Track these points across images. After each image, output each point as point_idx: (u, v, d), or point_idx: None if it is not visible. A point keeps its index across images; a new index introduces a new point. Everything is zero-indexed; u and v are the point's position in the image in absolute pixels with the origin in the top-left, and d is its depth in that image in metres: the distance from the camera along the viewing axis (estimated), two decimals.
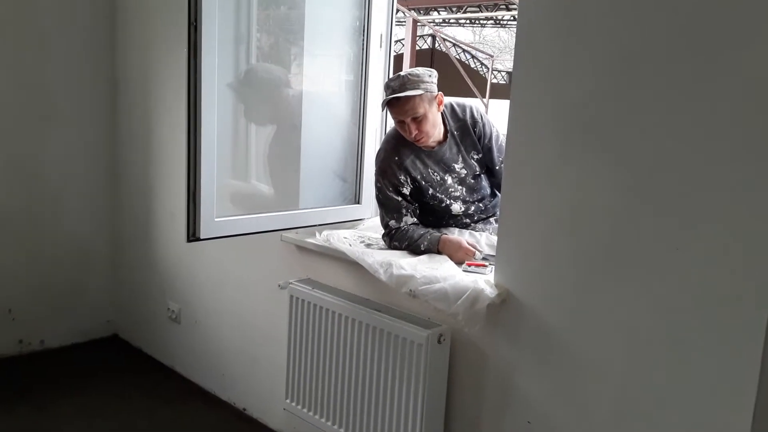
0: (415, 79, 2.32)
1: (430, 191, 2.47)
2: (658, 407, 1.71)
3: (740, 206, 1.53)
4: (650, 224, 1.68)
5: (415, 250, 2.39)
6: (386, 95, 2.35)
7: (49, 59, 3.63)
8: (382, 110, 2.49)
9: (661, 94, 1.64)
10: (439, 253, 2.35)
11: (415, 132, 2.35)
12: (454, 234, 2.44)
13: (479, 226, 2.55)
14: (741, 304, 1.55)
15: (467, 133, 2.48)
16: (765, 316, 1.50)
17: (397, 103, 2.32)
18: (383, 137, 2.66)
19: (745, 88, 1.50)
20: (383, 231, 2.51)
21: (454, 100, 2.53)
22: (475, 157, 2.50)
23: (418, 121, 2.34)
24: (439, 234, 2.40)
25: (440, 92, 2.37)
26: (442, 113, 2.44)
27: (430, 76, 2.36)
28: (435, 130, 2.40)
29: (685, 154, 1.61)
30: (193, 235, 2.21)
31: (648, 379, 1.73)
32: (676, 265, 1.64)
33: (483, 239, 2.42)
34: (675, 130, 1.62)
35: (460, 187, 2.50)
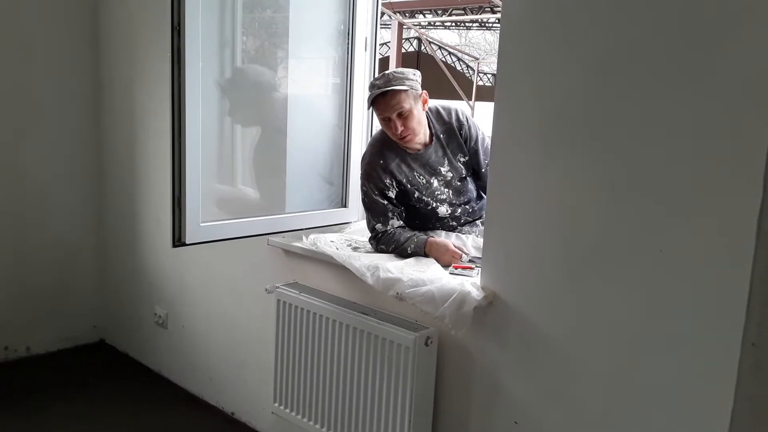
0: (400, 76, 2.34)
1: (416, 194, 2.48)
2: (644, 407, 1.72)
3: (727, 204, 1.54)
4: (636, 225, 1.69)
5: (401, 253, 2.39)
6: (371, 94, 2.36)
7: (33, 62, 3.60)
8: (368, 108, 2.48)
9: (647, 92, 1.65)
10: (425, 255, 2.35)
11: (401, 128, 2.35)
12: (441, 237, 2.44)
13: (466, 228, 2.56)
14: (725, 303, 1.56)
15: (453, 136, 2.49)
16: (743, 317, 1.52)
17: (382, 99, 2.32)
18: (368, 140, 2.67)
19: (732, 85, 1.51)
20: (370, 234, 2.51)
21: (439, 104, 2.55)
22: (462, 160, 2.51)
23: (404, 117, 2.34)
24: (426, 237, 2.40)
25: (425, 90, 2.39)
26: (427, 117, 2.45)
27: (414, 74, 2.38)
28: (421, 128, 2.40)
29: (670, 153, 1.62)
30: (178, 240, 2.21)
31: (634, 379, 1.74)
32: (661, 265, 1.65)
33: (469, 242, 2.43)
34: (660, 129, 1.63)
35: (446, 190, 2.51)
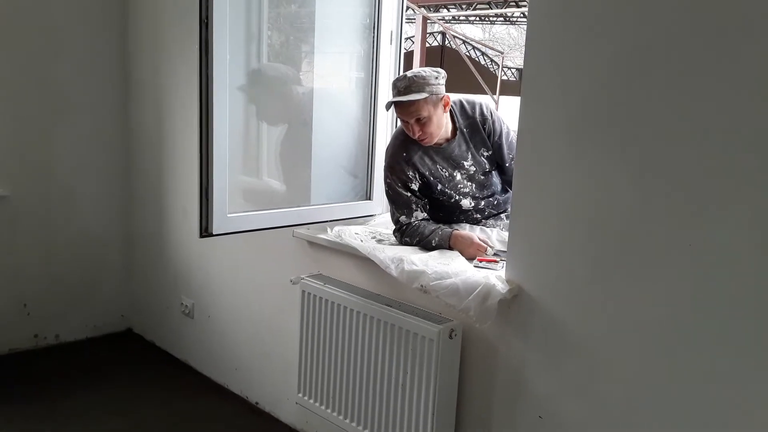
0: (421, 81, 2.32)
1: (439, 187, 2.48)
2: (671, 403, 1.71)
3: (757, 200, 1.53)
4: (663, 220, 1.68)
5: (426, 245, 2.40)
6: (393, 95, 2.36)
7: (62, 57, 3.66)
8: (387, 110, 2.51)
9: (675, 87, 1.63)
10: (450, 248, 2.35)
11: (418, 133, 2.37)
12: (466, 230, 2.44)
13: (490, 221, 2.56)
14: (756, 300, 1.54)
15: (477, 130, 2.48)
16: None
17: (401, 104, 2.33)
18: (392, 133, 2.68)
19: (760, 86, 1.50)
20: (394, 227, 2.52)
21: (463, 97, 2.54)
22: (485, 154, 2.50)
23: (422, 122, 2.35)
24: (451, 229, 2.40)
25: (447, 94, 2.38)
26: (451, 111, 2.45)
27: (437, 77, 2.36)
28: (440, 130, 2.41)
29: (698, 148, 1.60)
30: (205, 231, 2.23)
31: (661, 374, 1.73)
32: (689, 261, 1.64)
33: (494, 235, 2.43)
34: (688, 124, 1.62)
35: (469, 184, 2.51)
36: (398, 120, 2.68)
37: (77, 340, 3.93)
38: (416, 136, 2.38)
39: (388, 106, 2.39)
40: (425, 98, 2.31)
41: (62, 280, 3.85)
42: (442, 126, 2.41)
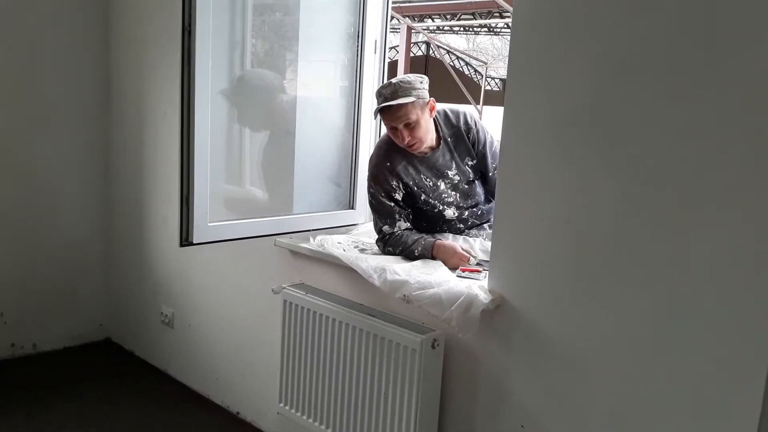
0: (407, 86, 2.32)
1: (423, 197, 2.48)
2: (654, 414, 1.71)
3: (740, 209, 1.53)
4: (646, 229, 1.69)
5: (409, 255, 2.39)
6: (378, 103, 2.36)
7: (43, 62, 3.62)
8: (375, 118, 2.50)
9: (658, 98, 1.64)
10: (433, 258, 2.35)
11: (408, 138, 2.36)
12: (449, 239, 2.44)
13: (473, 231, 2.56)
14: (742, 309, 1.55)
15: (461, 139, 2.49)
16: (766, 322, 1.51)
17: (389, 110, 2.33)
18: (376, 143, 2.67)
19: (749, 90, 1.50)
20: (377, 236, 2.51)
21: (447, 107, 2.54)
22: (469, 163, 2.51)
23: (411, 127, 2.35)
24: (434, 239, 2.40)
25: (432, 98, 2.39)
26: (435, 120, 2.45)
27: (421, 82, 2.37)
28: (428, 135, 2.41)
29: (683, 158, 1.61)
30: (186, 240, 2.21)
31: (644, 385, 1.73)
32: (677, 270, 1.64)
33: (477, 245, 2.43)
34: (672, 134, 1.62)
35: (453, 193, 2.51)
36: (382, 129, 2.68)
37: (55, 350, 3.86)
38: (405, 142, 2.37)
39: (375, 114, 2.39)
40: (413, 102, 2.31)
41: (40, 288, 3.79)
42: (429, 131, 2.41)
